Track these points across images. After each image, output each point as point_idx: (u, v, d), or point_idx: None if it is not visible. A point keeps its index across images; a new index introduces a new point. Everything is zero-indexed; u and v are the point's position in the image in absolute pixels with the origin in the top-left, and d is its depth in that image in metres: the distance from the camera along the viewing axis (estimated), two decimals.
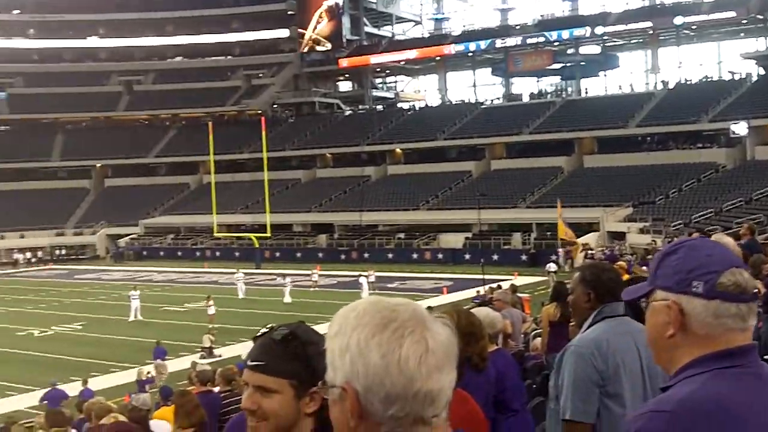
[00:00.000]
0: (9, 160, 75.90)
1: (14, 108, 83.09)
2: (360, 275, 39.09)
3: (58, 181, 78.89)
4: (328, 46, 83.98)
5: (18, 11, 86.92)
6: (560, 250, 44.30)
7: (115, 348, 29.72)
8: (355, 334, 1.48)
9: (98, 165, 79.88)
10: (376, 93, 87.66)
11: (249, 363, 2.00)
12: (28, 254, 65.10)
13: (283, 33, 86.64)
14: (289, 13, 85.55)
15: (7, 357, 28.98)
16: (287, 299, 38.17)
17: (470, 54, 78.87)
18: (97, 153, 78.65)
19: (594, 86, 74.53)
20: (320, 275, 44.15)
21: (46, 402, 18.60)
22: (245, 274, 44.13)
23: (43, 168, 78.83)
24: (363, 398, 1.47)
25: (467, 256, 51.64)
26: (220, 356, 26.28)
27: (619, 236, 48.58)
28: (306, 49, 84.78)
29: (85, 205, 75.72)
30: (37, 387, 23.02)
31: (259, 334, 2.06)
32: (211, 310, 32.62)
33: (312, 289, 42.05)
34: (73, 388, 20.08)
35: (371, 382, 1.45)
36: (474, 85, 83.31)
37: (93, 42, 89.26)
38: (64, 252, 67.39)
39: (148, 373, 22.25)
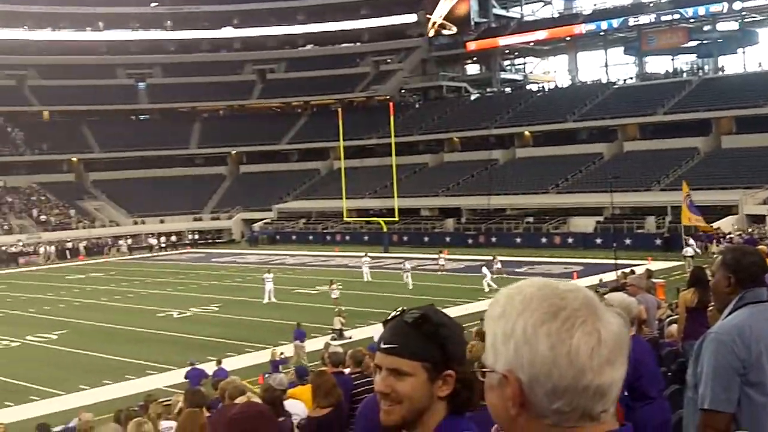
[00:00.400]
0: (149, 148, 79.11)
1: (153, 98, 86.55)
2: (483, 265, 38.09)
3: (195, 168, 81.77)
4: (454, 29, 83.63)
5: (156, 3, 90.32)
6: (691, 240, 41.39)
7: (249, 329, 30.53)
8: (521, 320, 1.44)
9: (233, 152, 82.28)
10: (504, 75, 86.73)
11: (382, 346, 1.99)
12: (162, 239, 67.48)
13: (411, 18, 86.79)
14: None
15: (147, 337, 30.25)
16: (409, 284, 38.03)
17: (602, 33, 76.91)
18: (232, 140, 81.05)
19: (732, 64, 71.51)
20: (447, 259, 44.09)
21: (187, 380, 19.30)
22: (372, 257, 44.56)
23: (182, 155, 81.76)
24: (527, 388, 1.42)
25: (598, 241, 50.56)
26: (350, 338, 26.65)
27: (759, 220, 46.51)
28: (432, 33, 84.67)
29: (221, 191, 78.16)
30: (174, 366, 23.98)
31: (390, 317, 2.04)
32: (335, 294, 33.01)
33: (439, 272, 42.07)
34: (209, 368, 20.76)
35: (537, 373, 1.41)
36: (606, 65, 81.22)
37: (227, 32, 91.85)
38: (196, 236, 69.30)
39: (281, 353, 22.77)
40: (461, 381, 1.95)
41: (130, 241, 67.02)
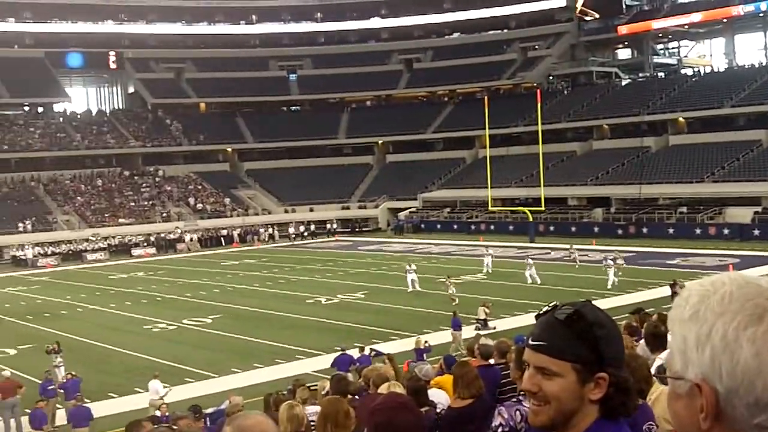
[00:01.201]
0: (299, 138, 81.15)
1: (303, 89, 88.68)
2: (605, 258, 36.51)
3: (343, 157, 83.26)
4: (596, 16, 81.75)
5: None
6: None
7: (394, 316, 30.91)
8: (720, 323, 1.29)
9: (380, 141, 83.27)
10: (657, 60, 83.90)
11: (530, 342, 1.88)
12: (302, 228, 68.70)
13: (559, 3, 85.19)
14: None
15: (296, 322, 31.12)
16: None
17: (761, 14, 73.15)
18: (378, 130, 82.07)
19: None
20: (594, 250, 43.15)
21: (335, 366, 19.74)
22: (518, 248, 44.11)
23: (330, 145, 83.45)
24: (723, 399, 1.29)
25: (756, 232, 48.32)
26: (494, 328, 26.57)
27: None
28: (580, 17, 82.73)
29: (368, 180, 79.28)
30: (322, 351, 24.59)
31: (542, 311, 1.93)
32: (452, 289, 32.37)
33: (576, 265, 41.26)
34: (355, 355, 21.18)
35: (738, 384, 1.27)
36: (765, 48, 77.17)
37: (375, 23, 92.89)
38: (335, 226, 69.85)
39: (426, 342, 22.95)
40: (615, 384, 1.81)
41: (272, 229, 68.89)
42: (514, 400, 4.46)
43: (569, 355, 1.79)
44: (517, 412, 4.23)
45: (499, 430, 4.27)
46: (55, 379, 21.98)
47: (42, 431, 19.21)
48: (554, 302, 1.93)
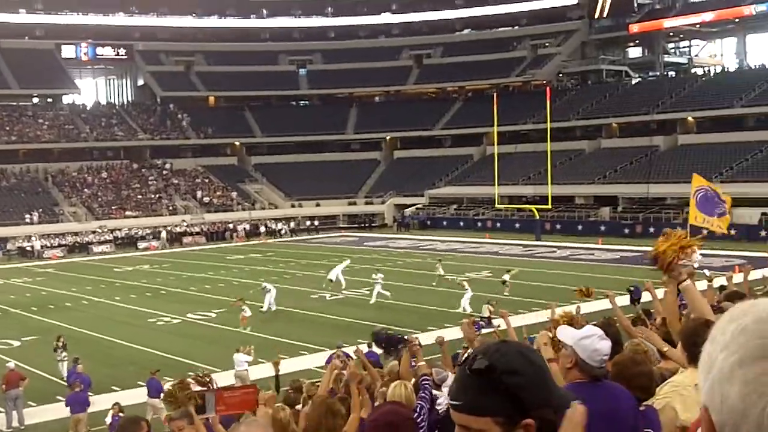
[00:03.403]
0: (308, 132, 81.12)
1: (313, 83, 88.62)
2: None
3: (351, 152, 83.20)
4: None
5: None
6: None
7: (400, 313, 30.82)
8: (723, 354, 1.24)
9: (388, 137, 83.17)
10: (667, 59, 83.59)
11: (449, 401, 1.78)
12: (292, 224, 68.52)
13: (570, 0, 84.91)
14: None
15: (301, 317, 31.14)
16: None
17: None
18: (387, 125, 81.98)
19: None
20: (600, 249, 43.06)
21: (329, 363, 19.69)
22: (524, 246, 43.94)
23: (338, 140, 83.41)
24: (718, 429, 1.24)
25: (763, 233, 48.17)
26: (498, 326, 26.44)
27: None
28: (598, 15, 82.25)
29: (375, 176, 79.23)
30: (324, 347, 24.55)
31: (459, 361, 1.83)
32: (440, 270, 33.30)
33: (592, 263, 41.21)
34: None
35: (725, 421, 1.22)
36: None
37: (386, 18, 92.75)
38: (316, 223, 69.56)
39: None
40: (543, 428, 1.69)
41: (292, 224, 68.81)
42: None
43: (487, 411, 1.69)
44: None
45: None
46: (59, 374, 22.03)
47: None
48: (469, 352, 1.80)
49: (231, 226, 66.42)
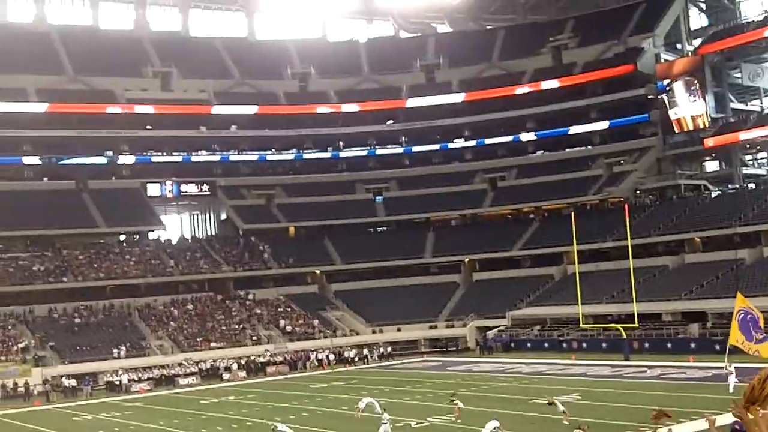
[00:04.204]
0: (386, 258, 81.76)
1: (389, 210, 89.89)
2: (726, 369, 35.43)
3: (430, 276, 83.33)
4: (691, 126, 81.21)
5: (391, 121, 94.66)
6: None
7: None
8: None
9: (466, 260, 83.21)
10: (746, 171, 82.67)
11: None
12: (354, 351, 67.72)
13: (644, 118, 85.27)
14: (649, 97, 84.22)
15: None
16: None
17: None
18: (464, 248, 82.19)
19: None
20: (692, 367, 41.71)
21: None
22: (612, 366, 42.93)
23: (417, 264, 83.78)
24: None
25: None
26: None
27: None
28: (677, 130, 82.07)
29: (455, 299, 78.90)
30: None
31: None
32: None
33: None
34: None
35: None
36: None
37: (459, 143, 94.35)
38: (389, 349, 68.70)
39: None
40: None
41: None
42: None
43: None
44: None
45: None
46: None
47: None
48: None
49: (313, 354, 66.45)
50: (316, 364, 65.22)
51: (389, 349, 68.57)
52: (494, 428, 29.22)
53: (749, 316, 31.67)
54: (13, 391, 57.44)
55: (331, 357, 66.43)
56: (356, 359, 66.54)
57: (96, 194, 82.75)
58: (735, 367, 36.20)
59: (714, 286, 61.91)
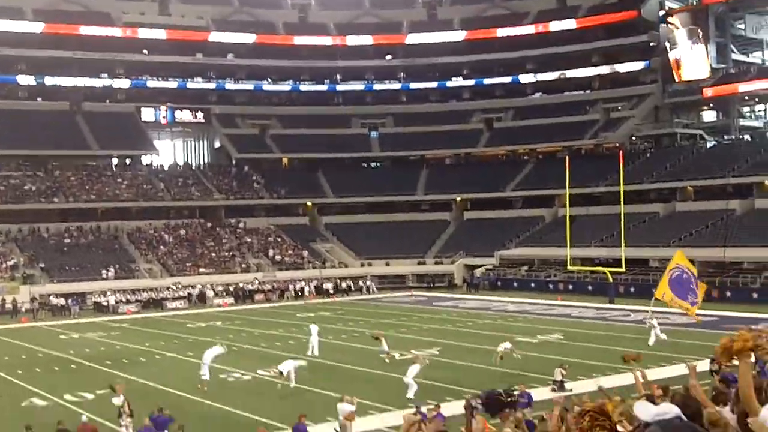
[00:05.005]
0: (378, 193, 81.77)
1: (384, 146, 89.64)
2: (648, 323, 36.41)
3: (421, 213, 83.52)
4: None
5: (390, 56, 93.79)
6: None
7: (468, 374, 30.53)
8: None
9: (458, 199, 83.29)
10: (743, 122, 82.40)
11: None
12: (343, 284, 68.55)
13: (643, 65, 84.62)
14: (651, 44, 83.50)
15: (368, 377, 31.02)
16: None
17: None
18: (457, 187, 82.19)
19: None
20: (676, 313, 42.05)
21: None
22: (597, 309, 43.31)
23: (409, 201, 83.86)
24: None
25: None
26: (570, 390, 25.99)
27: None
28: (677, 79, 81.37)
29: (445, 236, 79.19)
30: (394, 408, 24.37)
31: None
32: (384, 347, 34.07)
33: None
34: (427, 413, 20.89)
35: None
36: None
37: (457, 82, 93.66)
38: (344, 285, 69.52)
39: None
40: None
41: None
42: None
43: None
44: None
45: None
46: None
47: None
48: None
49: (302, 284, 66.90)
50: (307, 293, 65.62)
51: (368, 283, 69.07)
52: (504, 348, 31.21)
53: (684, 275, 31.61)
54: (1, 307, 57.84)
55: (328, 286, 67.12)
56: (351, 290, 67.37)
57: (90, 116, 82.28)
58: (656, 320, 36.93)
59: (703, 235, 62.17)
